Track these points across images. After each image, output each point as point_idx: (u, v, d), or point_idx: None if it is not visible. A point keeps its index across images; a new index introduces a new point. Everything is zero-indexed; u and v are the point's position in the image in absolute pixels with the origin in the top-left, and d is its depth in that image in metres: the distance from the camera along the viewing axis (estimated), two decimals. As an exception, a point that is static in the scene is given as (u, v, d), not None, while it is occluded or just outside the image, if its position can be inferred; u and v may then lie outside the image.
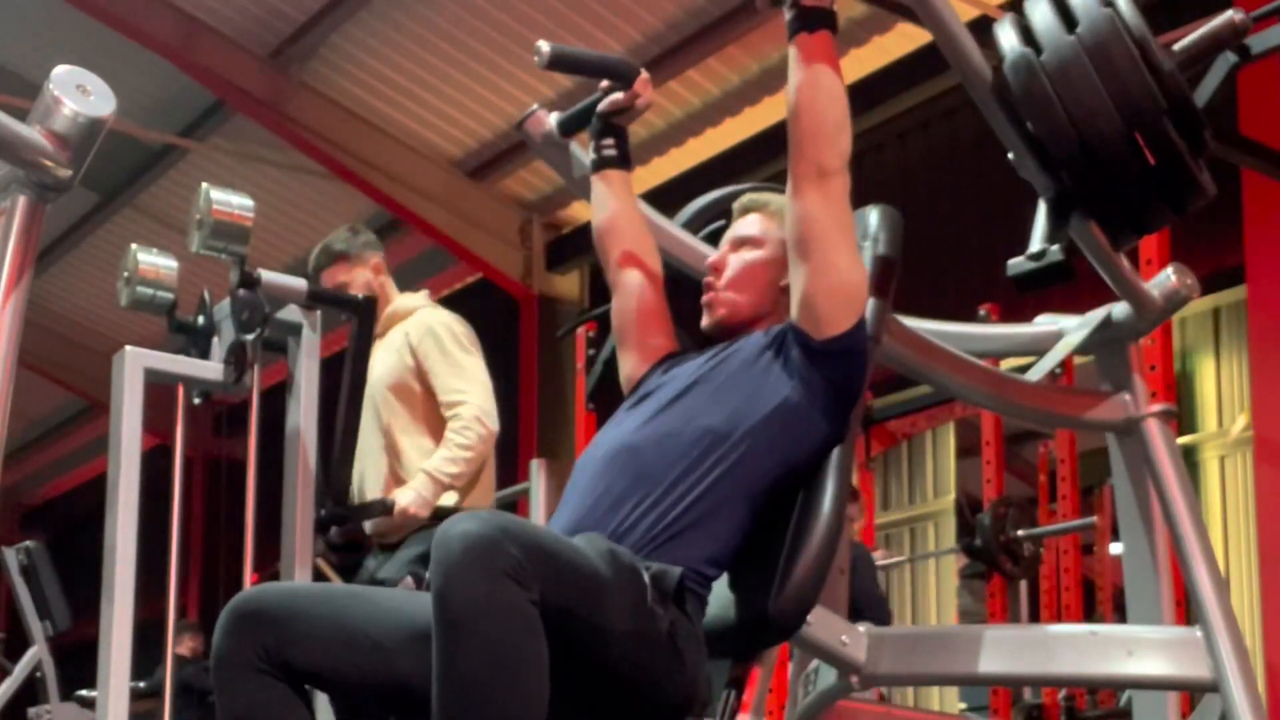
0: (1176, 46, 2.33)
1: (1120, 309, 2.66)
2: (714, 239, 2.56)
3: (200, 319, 3.47)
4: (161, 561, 3.35)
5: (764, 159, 7.84)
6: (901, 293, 2.41)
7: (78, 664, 5.54)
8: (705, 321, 2.42)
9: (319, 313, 3.44)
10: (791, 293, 2.24)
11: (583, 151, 2.61)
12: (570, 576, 1.92)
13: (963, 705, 7.15)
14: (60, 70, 1.62)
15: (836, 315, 2.20)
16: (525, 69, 8.32)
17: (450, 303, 4.42)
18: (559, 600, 1.88)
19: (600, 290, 2.61)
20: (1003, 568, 5.81)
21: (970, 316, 5.33)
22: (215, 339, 3.43)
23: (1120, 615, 5.79)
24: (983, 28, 2.46)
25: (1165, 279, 2.66)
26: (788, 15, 2.18)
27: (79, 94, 1.61)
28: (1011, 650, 2.53)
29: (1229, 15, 2.39)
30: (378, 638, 2.04)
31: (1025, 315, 2.90)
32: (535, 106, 2.66)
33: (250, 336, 3.31)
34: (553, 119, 2.62)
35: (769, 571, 2.17)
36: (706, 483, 2.16)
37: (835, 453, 2.25)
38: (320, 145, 9.32)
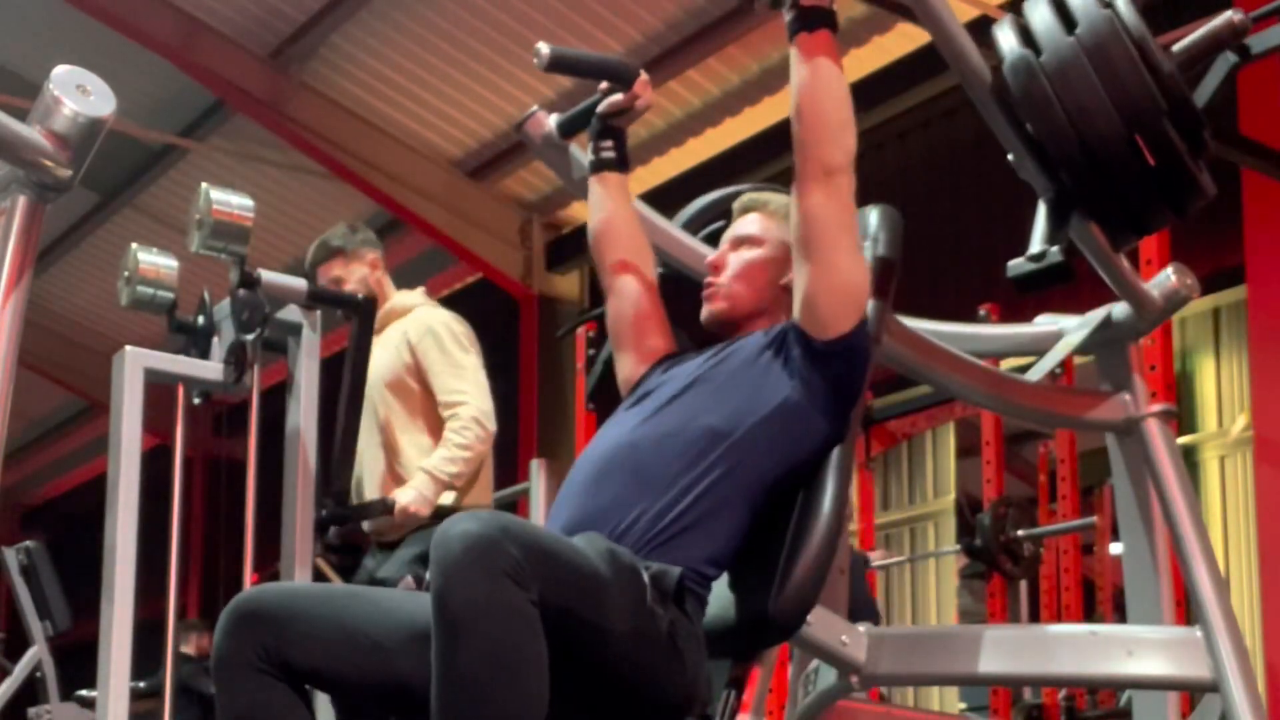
0: (1176, 47, 2.33)
1: (1120, 309, 2.66)
2: (714, 240, 2.56)
3: (200, 319, 3.47)
4: (161, 561, 3.35)
5: (764, 159, 7.84)
6: (901, 293, 2.41)
7: (78, 664, 5.54)
8: (705, 315, 2.42)
9: (319, 313, 3.44)
10: (794, 292, 2.24)
11: (582, 153, 2.61)
12: (570, 576, 1.92)
13: (963, 705, 7.14)
14: (60, 70, 1.62)
15: (838, 316, 2.20)
16: (525, 69, 8.32)
17: (450, 303, 4.42)
18: (559, 600, 1.88)
19: (600, 290, 2.60)
20: (1003, 568, 5.81)
21: (970, 316, 5.33)
22: (215, 339, 3.43)
23: (1120, 615, 5.79)
24: (983, 28, 2.46)
25: (1165, 279, 2.66)
26: (787, 16, 2.18)
27: (79, 94, 1.61)
28: (1011, 650, 2.53)
29: (1228, 16, 2.39)
30: (378, 637, 2.04)
31: (1025, 315, 2.90)
32: (535, 108, 2.66)
33: (250, 336, 3.31)
34: (552, 120, 2.62)
35: (769, 571, 2.17)
36: (706, 482, 2.16)
37: (835, 453, 2.25)
38: (320, 145, 9.31)
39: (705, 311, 2.42)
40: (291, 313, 3.40)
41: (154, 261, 3.43)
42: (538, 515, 4.74)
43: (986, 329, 3.19)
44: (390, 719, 2.18)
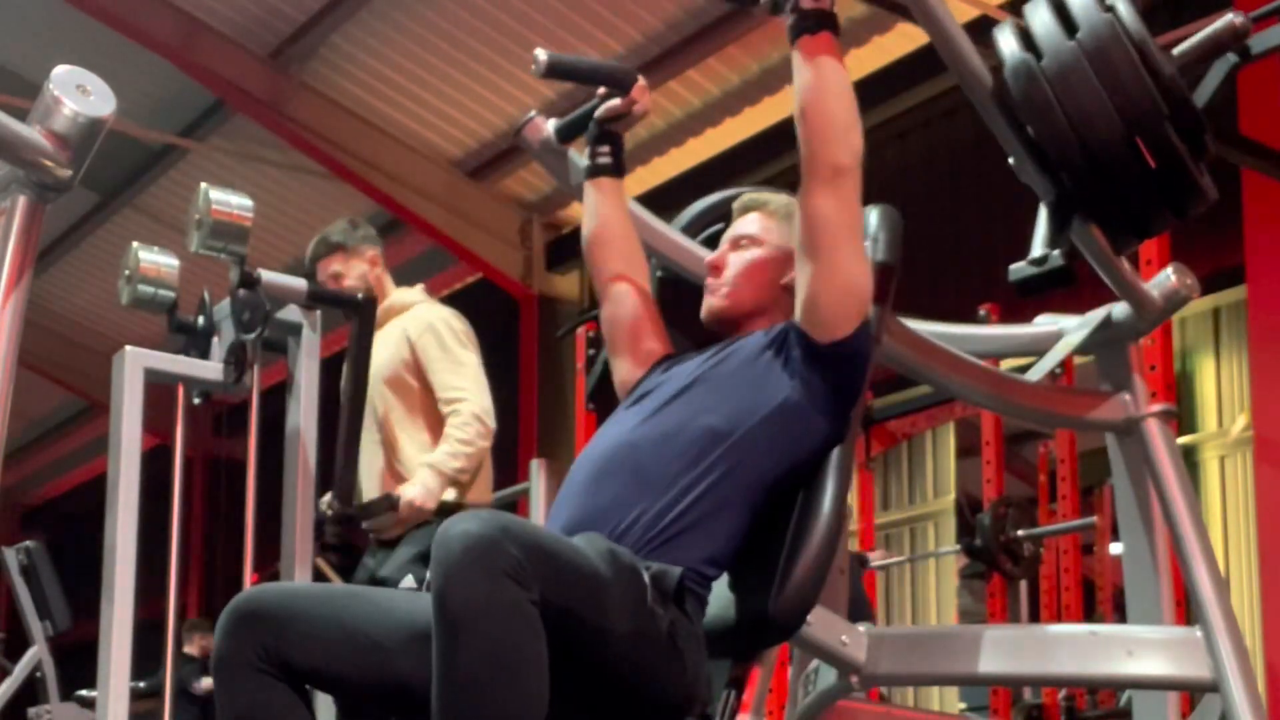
0: (1177, 50, 2.33)
1: (1120, 309, 2.66)
2: (713, 243, 2.56)
3: (200, 319, 3.47)
4: (161, 561, 3.36)
5: (764, 159, 7.84)
6: (901, 293, 2.41)
7: (78, 664, 5.54)
8: (704, 314, 2.42)
9: (319, 313, 3.44)
10: (796, 292, 2.24)
11: (581, 157, 2.61)
12: (570, 576, 1.92)
13: (963, 705, 7.14)
14: (60, 70, 1.62)
15: (841, 318, 2.20)
16: (525, 69, 8.27)
17: (450, 303, 4.42)
18: (559, 600, 1.88)
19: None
20: (1003, 568, 5.80)
21: (970, 316, 5.33)
22: (215, 339, 3.43)
23: (1120, 615, 5.79)
24: (983, 28, 2.46)
25: (1165, 279, 2.66)
26: (789, 19, 2.18)
27: (79, 94, 1.61)
28: (1011, 650, 2.53)
29: (1229, 19, 2.39)
30: (378, 638, 2.04)
31: (1025, 315, 2.90)
32: (533, 113, 2.66)
33: (250, 336, 3.31)
34: (550, 125, 2.62)
35: (769, 571, 2.17)
36: (706, 483, 2.16)
37: (835, 453, 2.24)
38: (320, 145, 9.32)
39: (705, 311, 2.42)
40: (291, 313, 3.40)
41: (155, 260, 3.43)
42: (538, 515, 4.74)
43: (986, 330, 3.19)
44: (391, 719, 2.18)
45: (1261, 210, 5.80)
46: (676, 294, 2.58)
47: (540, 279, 9.80)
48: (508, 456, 6.63)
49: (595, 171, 2.53)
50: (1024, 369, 2.81)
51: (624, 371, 2.48)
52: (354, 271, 4.13)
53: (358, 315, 3.58)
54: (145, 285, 3.42)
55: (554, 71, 2.45)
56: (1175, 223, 2.42)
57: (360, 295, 3.72)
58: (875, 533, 6.89)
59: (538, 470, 4.86)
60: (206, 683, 8.91)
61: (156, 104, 9.84)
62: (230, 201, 3.31)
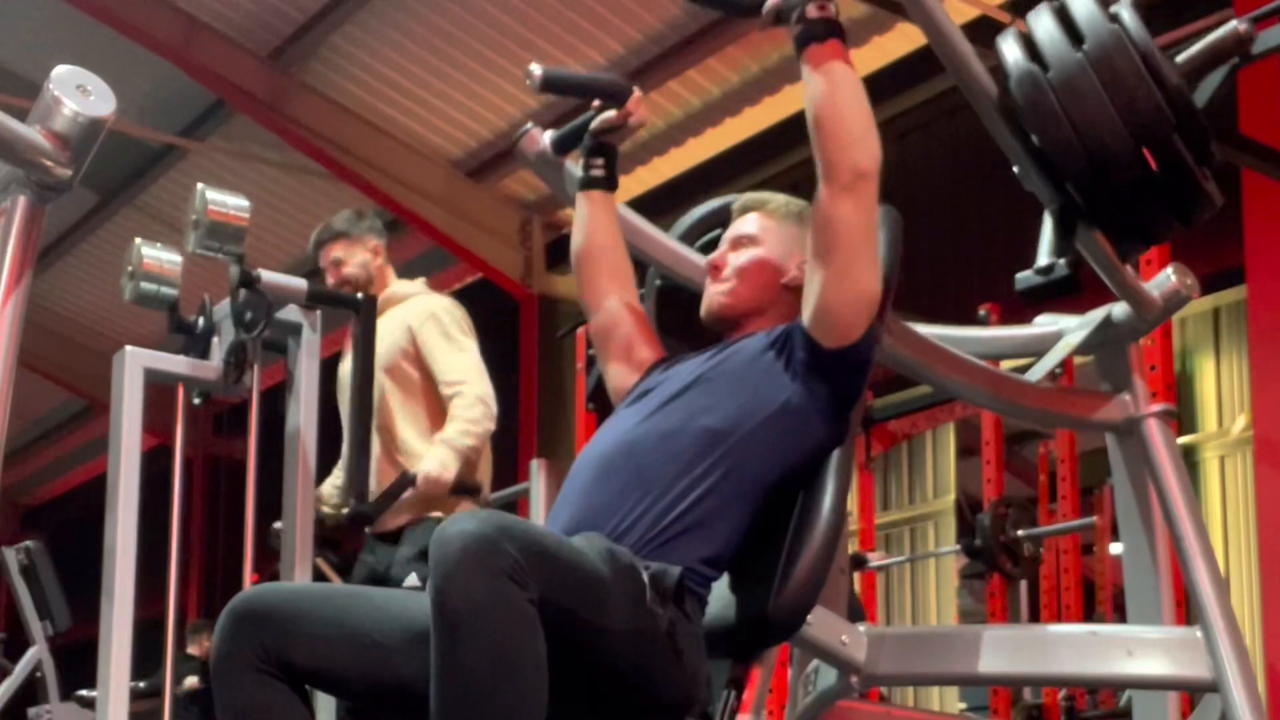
0: (1180, 58, 2.32)
1: (1120, 309, 2.66)
2: (710, 251, 2.56)
3: (200, 319, 3.47)
4: (161, 561, 3.36)
5: (764, 159, 7.84)
6: (902, 293, 2.41)
7: (78, 664, 5.55)
8: (704, 313, 2.42)
9: (319, 313, 3.44)
10: (806, 296, 2.23)
11: (577, 168, 2.62)
12: (569, 576, 1.92)
13: (963, 705, 7.14)
14: (60, 70, 1.62)
15: (851, 325, 2.19)
16: (525, 69, 8.30)
17: (450, 303, 4.43)
18: (558, 600, 1.88)
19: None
20: (1003, 568, 5.80)
21: (970, 316, 5.33)
22: (215, 339, 3.43)
23: (1120, 615, 5.79)
24: (983, 28, 2.46)
25: (1165, 279, 2.66)
26: (794, 30, 2.16)
27: (79, 94, 1.61)
28: (1011, 650, 2.53)
29: (1233, 26, 2.39)
30: (378, 638, 2.04)
31: (1026, 315, 2.90)
32: (529, 125, 2.67)
33: (250, 336, 3.31)
34: (546, 137, 2.63)
35: (769, 572, 2.17)
36: (706, 484, 2.16)
37: (835, 453, 2.25)
38: (320, 145, 9.32)
39: (705, 310, 2.42)
40: (291, 313, 3.40)
41: (158, 256, 3.43)
42: (538, 515, 4.74)
43: (986, 332, 3.19)
44: (390, 719, 2.18)
45: (1261, 210, 5.80)
46: (675, 302, 2.58)
47: (540, 279, 9.80)
48: (508, 456, 6.64)
49: (588, 184, 2.53)
50: (1024, 369, 2.81)
51: (618, 378, 2.48)
52: (355, 259, 4.14)
53: (358, 314, 3.59)
54: (148, 282, 3.42)
55: (549, 86, 2.47)
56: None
57: (360, 295, 3.72)
58: (875, 533, 6.88)
59: (538, 470, 4.86)
60: (190, 681, 8.91)
61: (156, 104, 9.84)
62: (227, 202, 3.32)
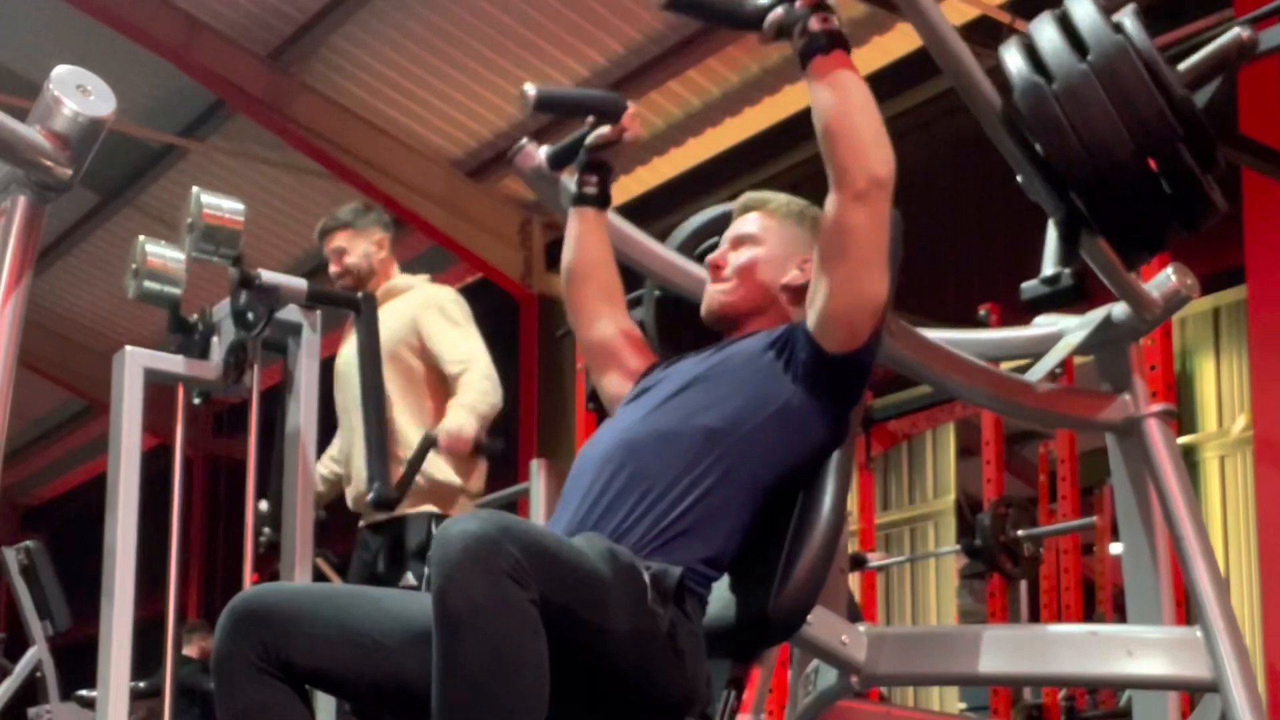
0: (1184, 66, 2.32)
1: (1120, 309, 2.66)
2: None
3: (200, 321, 3.47)
4: (161, 561, 3.36)
5: (764, 159, 7.83)
6: (902, 293, 2.41)
7: (78, 664, 5.55)
8: (704, 313, 2.43)
9: (319, 313, 3.45)
10: (812, 300, 2.22)
11: (572, 182, 2.62)
12: (570, 576, 1.92)
13: (963, 705, 7.14)
14: (60, 70, 1.62)
15: (856, 331, 2.19)
16: (525, 69, 8.31)
17: (450, 302, 4.44)
18: (559, 600, 1.88)
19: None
20: (1003, 568, 5.80)
21: (970, 316, 5.33)
22: (215, 339, 3.44)
23: (1120, 615, 5.79)
24: (983, 28, 2.46)
25: (1165, 279, 2.66)
26: (798, 44, 2.15)
27: (79, 94, 1.61)
28: (1011, 650, 2.53)
29: (1237, 33, 2.39)
30: (378, 638, 2.04)
31: (1026, 315, 2.90)
32: (524, 141, 2.67)
33: (250, 336, 3.31)
34: (542, 153, 2.63)
35: (769, 572, 2.17)
36: (706, 484, 2.16)
37: (835, 454, 2.25)
38: (320, 145, 9.32)
39: (705, 309, 2.42)
40: (291, 313, 3.41)
41: (162, 254, 3.43)
42: (538, 515, 4.74)
43: (986, 334, 3.19)
44: (390, 718, 2.18)
45: (1261, 210, 5.80)
46: (676, 309, 2.59)
47: (540, 279, 9.80)
48: (508, 456, 6.63)
49: (580, 200, 2.53)
50: (1024, 369, 2.81)
51: (613, 386, 2.48)
52: (358, 250, 4.16)
53: (358, 313, 3.59)
54: (152, 280, 3.42)
55: (543, 106, 2.47)
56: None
57: (360, 295, 3.73)
58: (875, 533, 6.89)
59: (538, 470, 4.86)
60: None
61: (156, 104, 9.84)
62: (221, 205, 3.32)
